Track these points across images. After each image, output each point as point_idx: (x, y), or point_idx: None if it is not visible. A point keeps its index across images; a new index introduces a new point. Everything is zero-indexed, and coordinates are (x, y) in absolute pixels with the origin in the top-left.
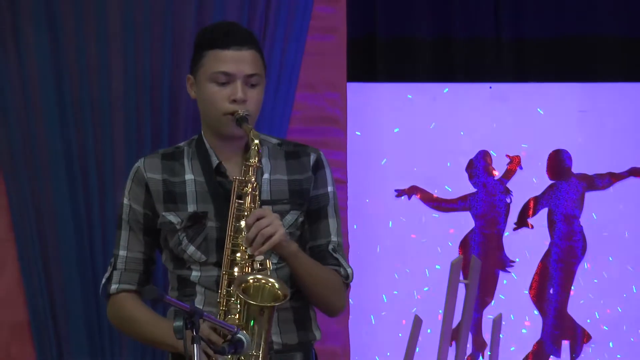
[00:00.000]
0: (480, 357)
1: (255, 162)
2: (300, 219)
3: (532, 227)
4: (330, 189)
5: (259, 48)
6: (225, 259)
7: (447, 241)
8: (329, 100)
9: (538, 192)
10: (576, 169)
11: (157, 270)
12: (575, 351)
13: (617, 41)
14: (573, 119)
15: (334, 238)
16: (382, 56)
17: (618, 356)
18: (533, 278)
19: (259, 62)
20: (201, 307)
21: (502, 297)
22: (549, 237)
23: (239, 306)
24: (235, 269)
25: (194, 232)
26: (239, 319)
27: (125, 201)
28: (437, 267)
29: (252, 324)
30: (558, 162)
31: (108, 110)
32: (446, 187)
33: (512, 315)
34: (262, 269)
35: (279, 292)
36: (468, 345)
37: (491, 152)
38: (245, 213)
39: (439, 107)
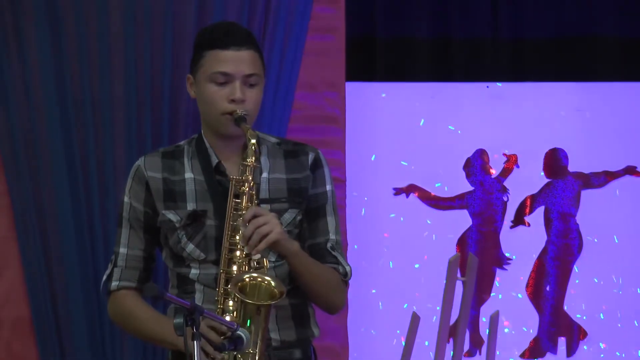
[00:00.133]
0: (478, 353)
1: (252, 161)
2: (299, 218)
3: (529, 225)
4: (328, 187)
5: (258, 48)
6: (223, 258)
7: (445, 239)
8: (328, 100)
9: (535, 191)
10: (572, 167)
11: (157, 268)
12: (571, 348)
13: (613, 41)
14: (569, 118)
15: (332, 236)
16: (381, 56)
17: (618, 353)
18: (530, 275)
19: (258, 62)
20: (200, 305)
21: (499, 294)
22: (546, 235)
23: (236, 304)
24: (234, 268)
25: (193, 230)
26: (235, 317)
27: (126, 199)
28: (435, 264)
29: (248, 322)
30: (554, 161)
31: (109, 109)
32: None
33: (508, 313)
34: (259, 267)
35: (275, 290)
36: (465, 342)
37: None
38: (242, 212)
39: (437, 106)
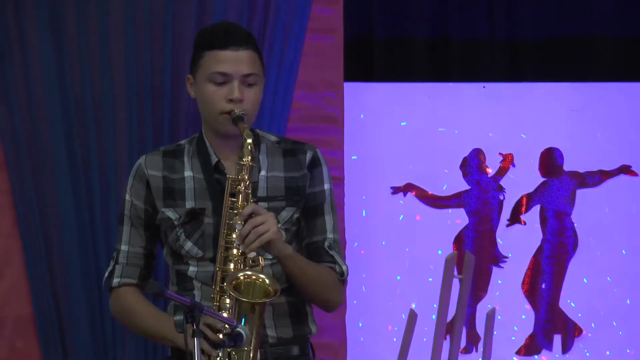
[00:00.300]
0: (474, 350)
1: (248, 160)
2: (296, 216)
3: (525, 223)
4: (326, 186)
5: (257, 48)
6: (219, 256)
7: (443, 237)
8: (327, 100)
9: (530, 190)
10: (568, 166)
11: (158, 265)
12: (566, 345)
13: (608, 41)
14: (565, 118)
15: (330, 235)
16: (379, 56)
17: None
18: (525, 273)
19: (256, 62)
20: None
21: (496, 292)
22: (541, 233)
23: (231, 302)
24: (230, 265)
25: (191, 228)
26: (230, 315)
27: (127, 197)
28: (432, 262)
29: (242, 321)
30: (550, 160)
31: (110, 109)
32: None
33: (505, 310)
34: (255, 265)
35: (270, 288)
36: (462, 339)
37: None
38: (238, 211)
39: (434, 106)
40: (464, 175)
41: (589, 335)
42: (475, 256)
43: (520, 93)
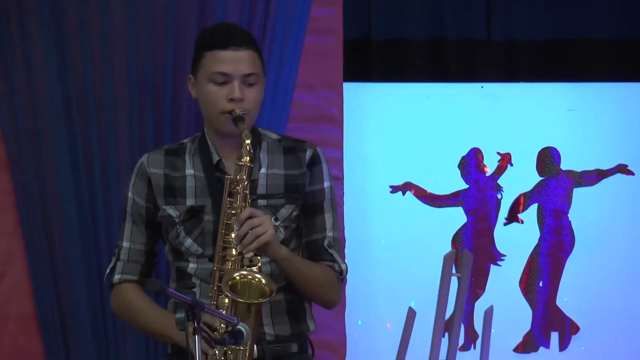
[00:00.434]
0: (472, 347)
1: (246, 161)
2: (295, 213)
3: (522, 222)
4: (326, 184)
5: (258, 48)
6: (217, 255)
7: (441, 236)
8: (326, 99)
9: (528, 188)
10: (565, 165)
11: (160, 262)
12: (563, 342)
13: (604, 42)
14: (561, 118)
15: (329, 233)
16: (378, 56)
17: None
18: (523, 271)
19: (257, 62)
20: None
21: (493, 290)
22: (539, 231)
23: (227, 301)
24: (228, 265)
25: (191, 226)
26: (226, 313)
27: (130, 195)
28: (431, 261)
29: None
30: (547, 159)
31: (112, 108)
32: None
33: (502, 308)
34: (252, 264)
35: (266, 287)
36: (460, 336)
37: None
38: (237, 211)
39: (432, 106)
40: (462, 175)
41: (586, 333)
42: (473, 254)
43: (518, 93)
